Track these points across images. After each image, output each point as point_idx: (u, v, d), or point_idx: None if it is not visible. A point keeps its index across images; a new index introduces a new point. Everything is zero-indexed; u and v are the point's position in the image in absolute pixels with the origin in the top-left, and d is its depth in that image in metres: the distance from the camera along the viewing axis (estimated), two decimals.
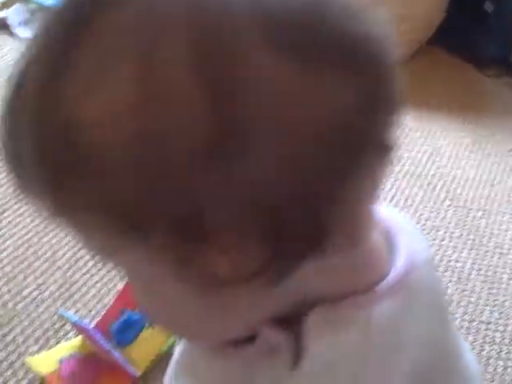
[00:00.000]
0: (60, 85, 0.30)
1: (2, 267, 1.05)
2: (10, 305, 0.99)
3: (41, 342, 0.94)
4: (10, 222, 1.12)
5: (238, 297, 0.35)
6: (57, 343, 0.93)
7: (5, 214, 1.14)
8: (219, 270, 0.32)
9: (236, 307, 0.36)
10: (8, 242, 1.09)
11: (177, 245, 0.31)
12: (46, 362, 0.88)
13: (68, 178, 0.31)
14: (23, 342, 0.94)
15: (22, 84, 0.32)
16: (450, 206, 1.30)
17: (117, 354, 0.85)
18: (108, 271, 1.05)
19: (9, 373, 0.90)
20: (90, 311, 0.99)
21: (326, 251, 0.33)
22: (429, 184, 1.34)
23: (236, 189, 0.30)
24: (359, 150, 0.32)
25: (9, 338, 0.95)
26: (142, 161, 0.29)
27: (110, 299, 0.99)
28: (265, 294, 0.35)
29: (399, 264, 0.39)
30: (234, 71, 0.29)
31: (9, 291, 1.01)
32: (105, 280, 1.04)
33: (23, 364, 0.90)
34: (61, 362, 0.87)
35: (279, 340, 0.37)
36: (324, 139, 0.30)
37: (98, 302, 1.01)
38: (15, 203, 1.15)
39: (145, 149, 0.29)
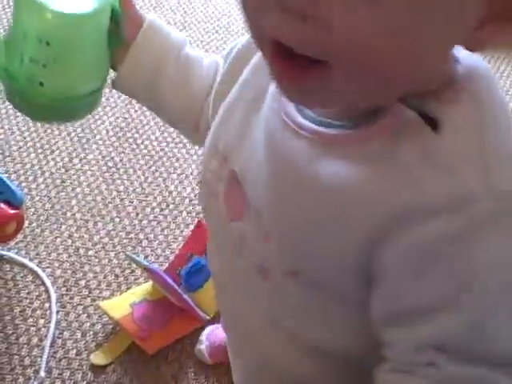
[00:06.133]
0: None
1: (73, 214, 1.07)
2: (82, 251, 1.02)
3: (113, 286, 0.97)
4: (78, 170, 1.14)
5: None
6: (128, 288, 0.96)
7: (73, 161, 1.16)
8: None
9: None
10: (77, 190, 1.11)
11: None
12: (118, 306, 0.90)
13: None
14: (96, 287, 0.97)
15: None
16: None
17: (187, 298, 0.87)
18: (174, 218, 1.07)
19: (83, 317, 0.93)
20: (158, 258, 1.01)
21: None
22: None
23: None
24: None
25: (82, 283, 0.98)
26: None
27: (177, 245, 1.01)
28: None
29: None
30: None
31: (80, 238, 1.04)
32: (172, 226, 1.06)
33: (97, 308, 0.93)
34: (133, 306, 0.90)
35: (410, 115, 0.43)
36: None
37: (165, 248, 1.02)
38: (83, 151, 1.17)
39: None
